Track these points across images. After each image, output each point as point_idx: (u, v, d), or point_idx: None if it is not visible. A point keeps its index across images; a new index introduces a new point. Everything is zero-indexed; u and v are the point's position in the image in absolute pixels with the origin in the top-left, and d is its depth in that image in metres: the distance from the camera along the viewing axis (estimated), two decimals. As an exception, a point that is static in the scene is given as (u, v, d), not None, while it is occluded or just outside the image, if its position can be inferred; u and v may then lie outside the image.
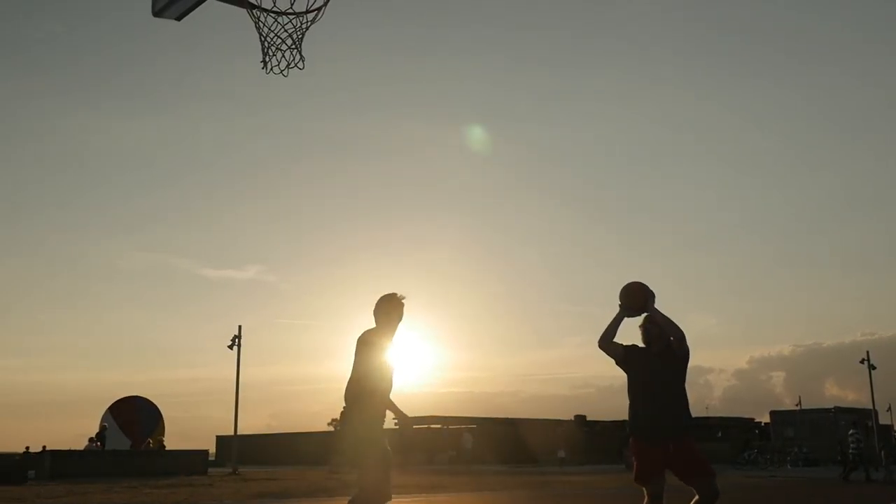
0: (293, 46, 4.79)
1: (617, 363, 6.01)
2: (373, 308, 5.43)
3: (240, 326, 29.66)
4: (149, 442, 27.52)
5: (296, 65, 4.82)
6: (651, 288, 6.03)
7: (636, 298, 5.89)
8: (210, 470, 28.43)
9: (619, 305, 6.00)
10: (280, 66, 4.82)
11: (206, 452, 29.68)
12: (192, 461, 27.22)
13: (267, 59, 4.79)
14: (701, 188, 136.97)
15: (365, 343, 5.19)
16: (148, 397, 33.30)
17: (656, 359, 5.85)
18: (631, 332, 5.89)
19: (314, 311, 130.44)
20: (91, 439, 27.68)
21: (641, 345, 5.97)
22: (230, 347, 28.54)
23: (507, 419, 56.93)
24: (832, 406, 56.23)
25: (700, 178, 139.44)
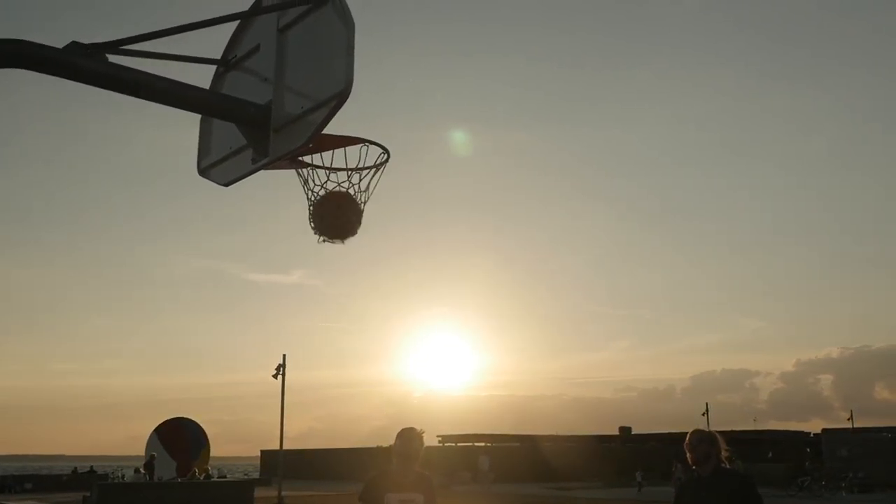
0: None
1: None
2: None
3: (284, 355, 29.36)
4: (194, 471, 27.37)
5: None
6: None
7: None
8: (255, 490, 27.96)
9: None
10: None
11: (252, 483, 29.55)
12: (237, 492, 27.05)
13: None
14: (745, 191, 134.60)
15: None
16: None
17: (707, 488, 4.73)
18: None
19: (356, 315, 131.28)
20: (137, 469, 27.65)
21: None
22: (274, 377, 28.24)
23: (549, 436, 56.25)
24: (886, 423, 54.67)
25: (744, 180, 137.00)
